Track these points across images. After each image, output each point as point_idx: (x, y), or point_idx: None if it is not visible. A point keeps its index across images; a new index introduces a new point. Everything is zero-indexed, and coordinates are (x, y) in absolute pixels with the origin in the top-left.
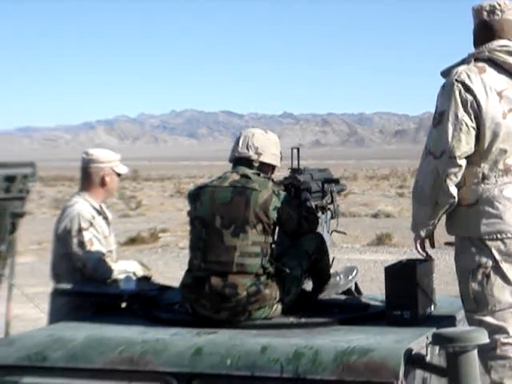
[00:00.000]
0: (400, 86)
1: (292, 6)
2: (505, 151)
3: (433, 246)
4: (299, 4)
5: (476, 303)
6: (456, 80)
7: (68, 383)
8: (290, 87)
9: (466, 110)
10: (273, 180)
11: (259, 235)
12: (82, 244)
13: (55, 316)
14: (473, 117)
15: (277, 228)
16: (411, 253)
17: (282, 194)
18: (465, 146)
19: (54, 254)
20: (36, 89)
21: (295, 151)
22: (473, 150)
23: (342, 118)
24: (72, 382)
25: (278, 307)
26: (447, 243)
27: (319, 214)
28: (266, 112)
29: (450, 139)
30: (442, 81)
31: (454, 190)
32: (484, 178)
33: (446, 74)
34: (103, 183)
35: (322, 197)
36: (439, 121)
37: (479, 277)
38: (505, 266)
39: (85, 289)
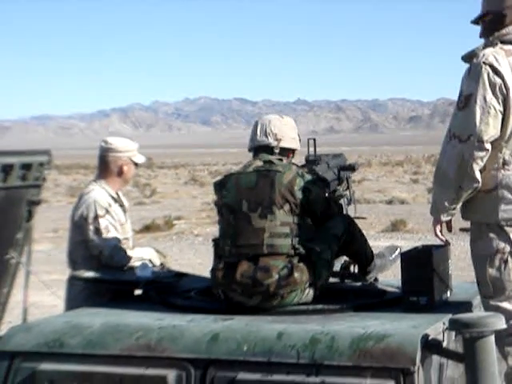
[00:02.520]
0: (414, 72)
1: None
2: None
3: (450, 230)
4: None
5: (493, 289)
6: (484, 62)
7: (85, 369)
8: (304, 74)
9: (494, 94)
10: (296, 164)
11: (287, 215)
12: (98, 231)
13: (72, 303)
14: (500, 100)
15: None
16: (426, 239)
17: (307, 175)
18: (492, 130)
19: (70, 241)
20: (51, 77)
21: (311, 142)
22: (498, 134)
23: (356, 104)
24: (89, 368)
25: (310, 291)
26: (462, 229)
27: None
28: (279, 99)
29: (478, 123)
30: (459, 65)
31: (478, 175)
32: (504, 163)
33: (468, 57)
34: (121, 172)
35: (338, 184)
36: (465, 104)
37: (497, 262)
38: None
39: (101, 276)
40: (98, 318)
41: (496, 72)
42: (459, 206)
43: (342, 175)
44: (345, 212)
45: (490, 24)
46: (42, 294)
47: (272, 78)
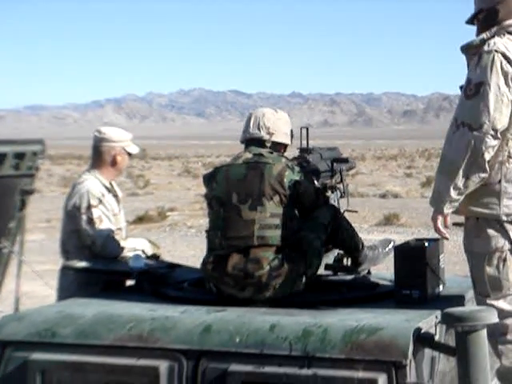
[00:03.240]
0: (409, 66)
1: None
2: None
3: (446, 225)
4: None
5: (490, 287)
6: (496, 51)
7: (77, 359)
8: (299, 66)
9: (506, 82)
10: (286, 157)
11: (277, 207)
12: (91, 221)
13: (64, 292)
14: (511, 90)
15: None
16: (419, 233)
17: (296, 168)
18: (505, 119)
19: (63, 230)
20: (45, 67)
21: (304, 131)
22: (507, 125)
23: (351, 97)
24: (81, 358)
25: (302, 281)
26: (456, 224)
27: (329, 193)
28: (274, 91)
29: (492, 111)
30: (454, 61)
31: (487, 165)
32: (510, 156)
33: (467, 48)
34: (114, 162)
35: (331, 176)
36: (476, 92)
37: (495, 261)
38: None
39: (94, 266)
40: (90, 308)
41: (508, 61)
42: (462, 197)
43: (336, 168)
44: (337, 205)
45: (484, 21)
46: (35, 284)
47: (267, 71)
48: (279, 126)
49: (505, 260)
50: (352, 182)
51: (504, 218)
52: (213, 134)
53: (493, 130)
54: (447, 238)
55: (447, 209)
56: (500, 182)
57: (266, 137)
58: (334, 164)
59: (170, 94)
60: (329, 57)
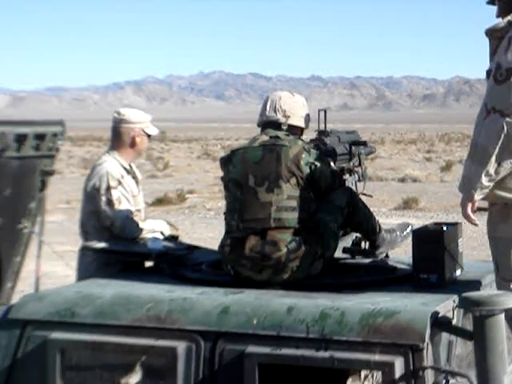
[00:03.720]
0: (429, 50)
1: None
2: None
3: (474, 211)
4: None
5: (508, 268)
6: None
7: (96, 339)
8: (318, 49)
9: None
10: (302, 139)
11: (293, 189)
12: (110, 202)
13: (83, 273)
14: None
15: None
16: (437, 217)
17: (313, 150)
18: None
19: (82, 211)
20: (66, 49)
21: (322, 114)
22: None
23: (370, 81)
24: (100, 338)
25: (319, 263)
26: (480, 209)
27: (346, 176)
28: (293, 74)
29: None
30: (474, 44)
31: None
32: None
33: (492, 32)
34: (133, 144)
35: (349, 159)
36: (507, 77)
37: None
38: None
39: (113, 247)
40: (108, 288)
41: None
42: (493, 183)
43: (354, 151)
44: (354, 188)
45: (506, 3)
46: (55, 264)
47: (287, 54)
48: (296, 109)
49: None
50: (371, 166)
51: None
52: (232, 116)
53: None
54: (476, 225)
55: (478, 195)
56: None
57: (283, 119)
58: (353, 147)
59: (190, 76)
60: (349, 40)
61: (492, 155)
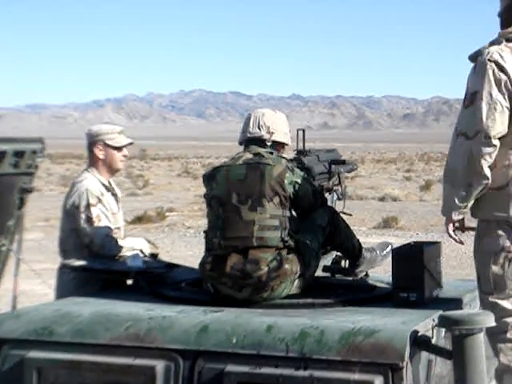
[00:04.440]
0: (409, 70)
1: None
2: None
3: (463, 230)
4: None
5: (494, 286)
6: (489, 60)
7: (74, 358)
8: (299, 69)
9: (500, 90)
10: (286, 158)
11: (276, 208)
12: (89, 220)
13: (62, 291)
14: (507, 97)
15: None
16: (417, 236)
17: (296, 170)
18: (499, 126)
19: (61, 229)
20: (46, 66)
21: (301, 133)
22: (506, 130)
23: (351, 100)
24: (78, 356)
25: (300, 282)
26: (467, 228)
27: (326, 194)
28: (274, 93)
29: (484, 119)
30: (454, 64)
31: (488, 171)
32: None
33: (474, 57)
34: (96, 158)
35: (328, 178)
36: (471, 101)
37: (501, 260)
38: None
39: (92, 265)
40: (87, 306)
41: (501, 69)
42: (471, 203)
43: (334, 169)
44: (334, 206)
45: (505, 19)
46: (33, 282)
47: (267, 73)
48: (279, 125)
49: (510, 260)
50: (351, 185)
51: None
52: (213, 134)
53: (487, 137)
54: (462, 243)
55: (456, 215)
56: (507, 185)
57: (267, 136)
58: (332, 166)
59: (171, 94)
60: (329, 59)
61: (462, 177)
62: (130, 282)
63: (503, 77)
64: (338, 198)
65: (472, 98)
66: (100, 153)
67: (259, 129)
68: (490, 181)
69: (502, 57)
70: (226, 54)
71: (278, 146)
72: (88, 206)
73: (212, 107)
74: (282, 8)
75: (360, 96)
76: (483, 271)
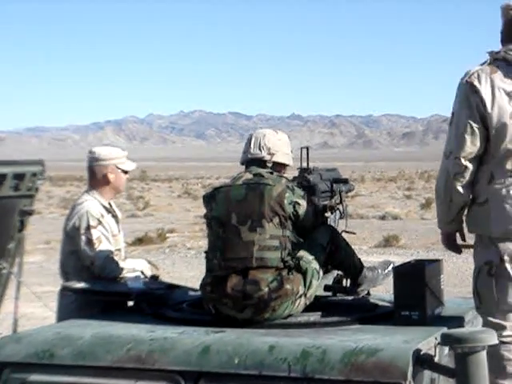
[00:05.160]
0: (408, 89)
1: (299, 9)
2: None
3: (463, 239)
4: (306, 6)
5: (479, 300)
6: (466, 81)
7: (75, 381)
8: (298, 89)
9: (471, 112)
10: (286, 177)
11: (276, 229)
12: (90, 242)
13: (63, 313)
14: (479, 118)
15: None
16: (418, 255)
17: (296, 189)
18: (470, 146)
19: (62, 251)
20: (46, 89)
21: (304, 151)
22: (481, 150)
23: (350, 119)
24: (79, 379)
25: (301, 302)
26: (463, 246)
27: (328, 213)
28: (274, 113)
29: (454, 140)
30: (453, 83)
31: (462, 189)
32: (492, 177)
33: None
34: (107, 181)
35: (330, 197)
36: (450, 121)
37: (484, 274)
38: (510, 266)
39: (93, 287)
40: (88, 329)
41: (475, 91)
42: (459, 217)
43: (335, 188)
44: (336, 226)
45: (503, 34)
46: (34, 305)
47: (267, 93)
48: (280, 146)
49: (493, 275)
50: (351, 204)
51: (494, 236)
52: (212, 155)
53: (456, 158)
54: (459, 253)
55: (449, 229)
56: (487, 201)
57: (267, 157)
58: (334, 185)
59: (171, 115)
60: (328, 79)
61: (443, 193)
62: (131, 303)
63: (476, 99)
64: (340, 217)
65: (451, 118)
66: (111, 176)
67: (260, 150)
68: (466, 198)
69: (478, 78)
70: (225, 75)
71: (279, 166)
72: (88, 228)
73: (212, 128)
74: (280, 28)
75: (359, 115)
76: (472, 285)
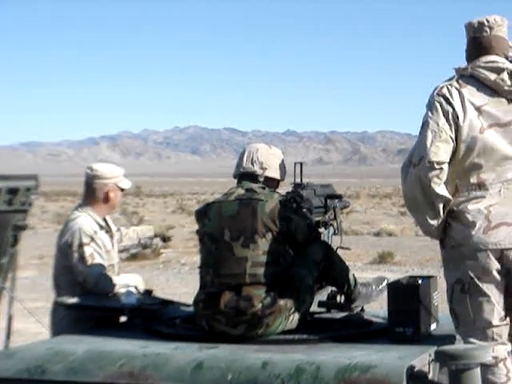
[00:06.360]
0: (403, 105)
1: (297, 24)
2: (479, 165)
3: None
4: (304, 22)
5: (456, 319)
6: (438, 94)
7: None
8: (293, 105)
9: (447, 120)
10: (278, 193)
11: (269, 244)
12: (83, 258)
13: (56, 328)
14: (453, 128)
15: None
16: (413, 271)
17: (289, 204)
18: (443, 154)
19: (55, 266)
20: (40, 104)
21: (298, 167)
22: (447, 160)
23: (345, 136)
24: None
25: (295, 318)
26: None
27: (322, 229)
28: (269, 129)
29: (428, 145)
30: None
31: (441, 190)
32: (457, 190)
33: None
34: (107, 199)
35: (324, 212)
36: (420, 132)
37: (458, 292)
38: (480, 283)
39: (85, 302)
40: (81, 344)
41: (448, 102)
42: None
43: (330, 204)
44: (330, 242)
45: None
46: (26, 321)
47: (262, 109)
48: (272, 160)
49: (466, 292)
50: (346, 220)
51: (453, 243)
52: (207, 171)
53: (429, 162)
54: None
55: (438, 234)
56: (453, 212)
57: (259, 171)
58: (328, 200)
59: (165, 131)
60: (323, 95)
61: (422, 201)
62: (123, 318)
63: (450, 109)
64: (334, 233)
65: (421, 128)
66: (111, 194)
67: (252, 164)
68: (446, 196)
69: (449, 91)
70: (220, 91)
71: (271, 181)
72: (81, 245)
73: (207, 144)
74: (275, 44)
75: (354, 131)
76: (448, 305)
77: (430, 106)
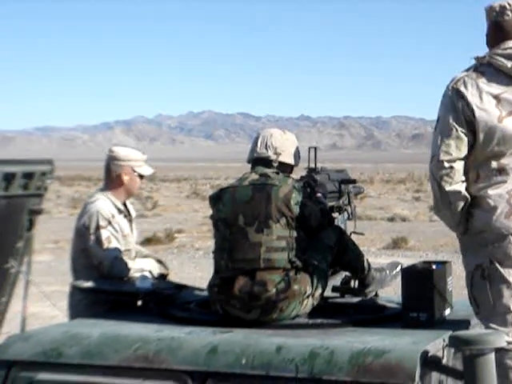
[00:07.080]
0: (417, 90)
1: (310, 9)
2: (500, 152)
3: None
4: (317, 7)
5: (476, 305)
6: (452, 87)
7: (83, 380)
8: (308, 89)
9: (457, 116)
10: (292, 178)
11: (283, 229)
12: (99, 241)
13: (73, 311)
14: (464, 123)
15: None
16: (427, 257)
17: (303, 189)
18: (454, 151)
19: (72, 249)
20: (55, 89)
21: (312, 151)
22: (465, 153)
23: (359, 121)
24: (87, 378)
25: (309, 303)
26: None
27: (336, 214)
28: (283, 114)
29: (439, 143)
30: None
31: (454, 188)
32: (478, 177)
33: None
34: (120, 182)
35: (338, 197)
36: (435, 127)
37: (478, 278)
38: (501, 267)
39: (101, 286)
40: (96, 328)
41: (461, 96)
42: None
43: (344, 189)
44: (343, 227)
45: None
46: (42, 304)
47: (276, 94)
48: (286, 146)
49: (485, 278)
50: (360, 205)
51: (474, 231)
52: (221, 156)
53: (438, 161)
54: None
55: (463, 230)
56: (474, 200)
57: (273, 156)
58: (342, 185)
59: (180, 116)
60: (338, 80)
61: (439, 198)
62: (139, 303)
63: (462, 104)
64: (348, 218)
65: (436, 123)
66: (125, 177)
67: (266, 149)
68: (461, 194)
69: (464, 83)
70: (234, 76)
71: (285, 166)
72: (98, 227)
73: (221, 128)
74: (289, 30)
75: (368, 116)
76: (468, 292)
77: (443, 101)
